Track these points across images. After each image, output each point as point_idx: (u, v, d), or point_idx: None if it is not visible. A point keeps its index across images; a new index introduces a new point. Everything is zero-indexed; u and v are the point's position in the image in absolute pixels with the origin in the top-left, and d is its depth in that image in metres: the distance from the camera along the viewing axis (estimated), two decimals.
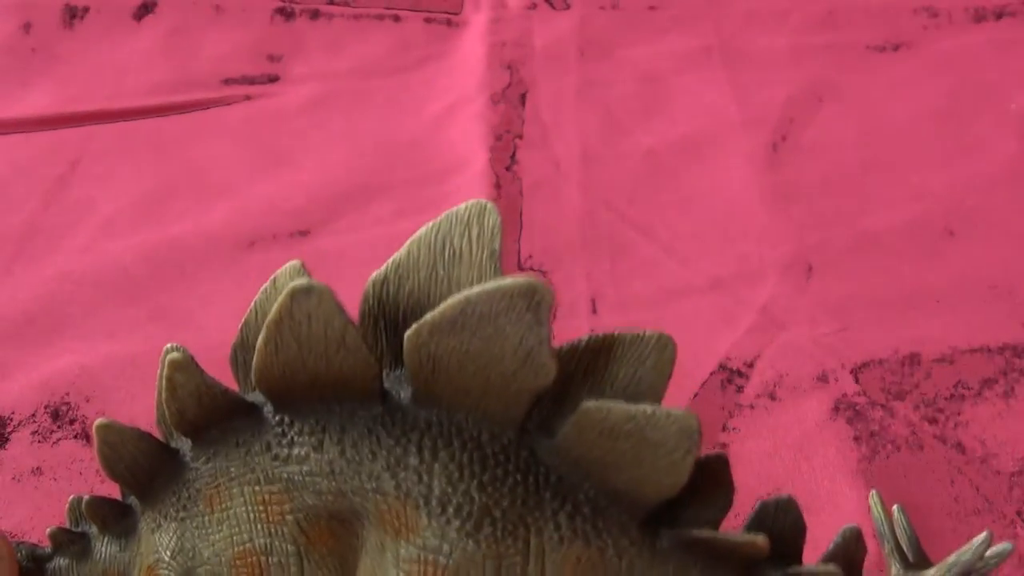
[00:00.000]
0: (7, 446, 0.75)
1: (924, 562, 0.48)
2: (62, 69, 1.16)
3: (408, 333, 0.41)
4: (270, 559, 0.45)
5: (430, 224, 0.45)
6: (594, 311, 0.85)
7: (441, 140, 1.06)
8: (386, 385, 0.44)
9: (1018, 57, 1.14)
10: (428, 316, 0.41)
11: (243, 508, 0.45)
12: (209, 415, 0.45)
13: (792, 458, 0.71)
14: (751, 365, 0.80)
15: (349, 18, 1.24)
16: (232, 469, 0.45)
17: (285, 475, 0.44)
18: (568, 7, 1.26)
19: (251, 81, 1.15)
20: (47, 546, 0.52)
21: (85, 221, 0.96)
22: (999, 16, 1.20)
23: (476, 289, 0.40)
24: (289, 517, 0.44)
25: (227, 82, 1.15)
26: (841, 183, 0.99)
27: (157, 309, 0.87)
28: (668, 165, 1.02)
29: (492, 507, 0.42)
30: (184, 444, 0.47)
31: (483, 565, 0.42)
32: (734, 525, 0.44)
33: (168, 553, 0.47)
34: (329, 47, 1.20)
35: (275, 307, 0.41)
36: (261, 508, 0.44)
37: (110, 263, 0.91)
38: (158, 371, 0.47)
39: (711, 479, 0.44)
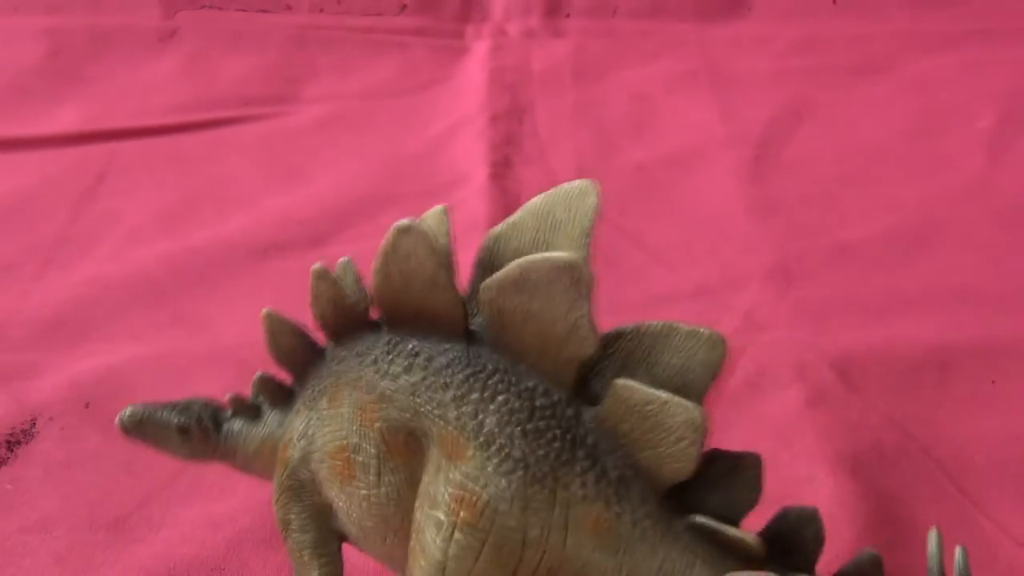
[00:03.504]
0: (38, 441, 0.75)
1: None
2: (89, 89, 1.17)
3: (482, 285, 0.44)
4: (357, 457, 0.47)
5: (543, 195, 0.47)
6: None
7: (444, 156, 1.07)
8: (473, 327, 0.46)
9: (985, 78, 1.15)
10: (497, 274, 0.43)
11: (348, 409, 0.48)
12: (344, 323, 0.48)
13: (770, 447, 0.71)
14: (733, 362, 0.80)
15: (359, 44, 1.25)
16: (350, 374, 0.48)
17: (380, 387, 0.47)
18: (564, 34, 1.27)
19: (267, 101, 1.16)
20: (227, 408, 0.55)
21: (111, 231, 0.97)
22: (966, 40, 1.21)
23: (532, 256, 0.42)
24: (377, 425, 0.47)
25: (245, 102, 1.15)
26: (819, 196, 1.00)
27: (179, 313, 0.87)
28: (657, 179, 1.02)
29: (528, 454, 0.44)
30: (329, 344, 0.50)
31: (511, 503, 0.44)
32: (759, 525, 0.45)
33: (296, 435, 0.51)
34: (340, 70, 1.21)
35: (384, 240, 0.44)
36: (359, 412, 0.47)
37: (135, 270, 0.91)
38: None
39: (741, 476, 0.44)
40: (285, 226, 0.97)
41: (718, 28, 1.26)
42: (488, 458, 0.44)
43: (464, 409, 0.45)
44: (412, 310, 0.45)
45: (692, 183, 1.02)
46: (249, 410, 0.54)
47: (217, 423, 0.55)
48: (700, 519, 0.43)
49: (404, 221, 0.43)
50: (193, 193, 1.02)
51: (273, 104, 1.15)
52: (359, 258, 0.92)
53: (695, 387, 0.44)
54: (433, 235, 0.44)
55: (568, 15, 1.30)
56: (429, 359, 0.46)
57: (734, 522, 0.44)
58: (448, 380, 0.45)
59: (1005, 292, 0.87)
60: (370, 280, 0.47)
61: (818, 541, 0.45)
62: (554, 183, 1.02)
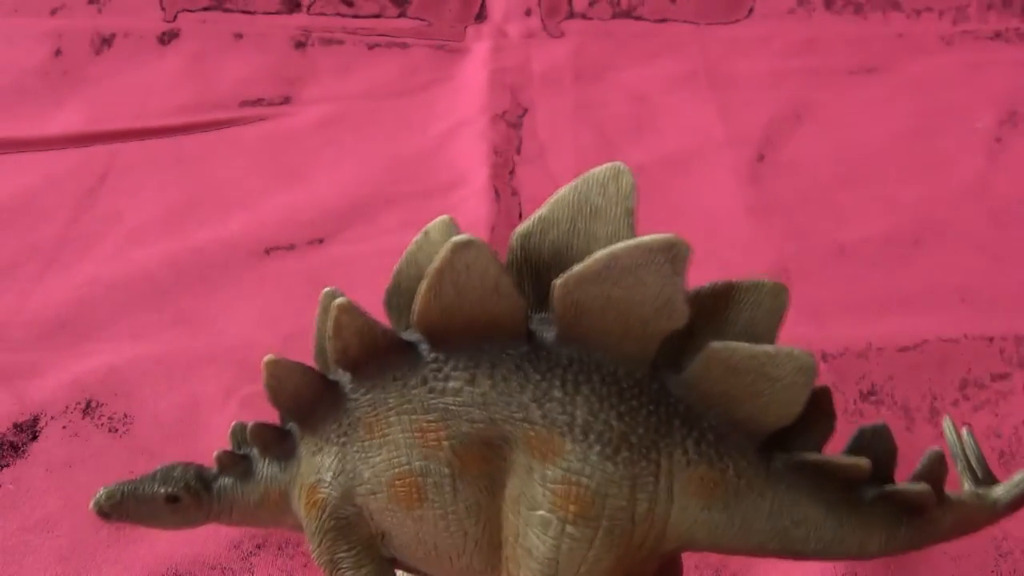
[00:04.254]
0: (40, 440, 0.76)
1: (992, 479, 0.50)
2: (91, 91, 1.17)
3: (556, 282, 0.44)
4: (427, 480, 0.47)
5: (570, 184, 0.47)
6: None
7: (445, 157, 1.07)
8: (531, 327, 0.46)
9: (983, 79, 1.15)
10: (575, 268, 0.43)
11: (401, 434, 0.47)
12: (370, 352, 0.47)
13: None
14: None
15: (359, 45, 1.25)
16: (390, 400, 0.47)
17: (441, 406, 0.46)
18: (564, 35, 1.27)
19: (268, 103, 1.16)
20: (214, 467, 0.53)
21: (113, 231, 0.97)
22: (966, 42, 1.21)
23: (620, 244, 0.42)
24: (445, 443, 0.46)
25: (245, 104, 1.15)
26: (818, 197, 1.00)
27: (180, 313, 0.88)
28: (657, 180, 1.03)
29: (629, 434, 0.44)
30: (343, 377, 0.49)
31: (620, 484, 0.44)
32: (834, 448, 0.47)
33: (330, 474, 0.49)
34: (341, 71, 1.21)
35: (437, 258, 0.44)
36: (418, 435, 0.46)
37: (136, 270, 0.92)
38: (318, 311, 0.49)
39: (817, 408, 0.46)
40: (286, 226, 0.97)
41: (718, 29, 1.26)
42: (589, 446, 0.44)
43: (549, 406, 0.45)
44: (463, 322, 0.45)
45: (692, 184, 1.03)
46: (238, 462, 0.53)
47: (205, 484, 0.53)
48: (806, 455, 0.46)
49: (461, 236, 0.43)
50: (194, 194, 1.02)
51: (274, 105, 1.15)
52: (360, 258, 0.92)
53: (766, 335, 0.46)
54: (488, 245, 0.44)
55: (568, 16, 1.30)
56: (492, 366, 0.45)
57: (818, 450, 0.47)
58: (522, 382, 0.45)
59: (1004, 292, 0.88)
60: (412, 302, 0.46)
61: (892, 453, 0.47)
62: (554, 184, 1.02)
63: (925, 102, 1.13)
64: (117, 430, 0.76)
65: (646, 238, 0.42)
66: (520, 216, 0.98)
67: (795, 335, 0.83)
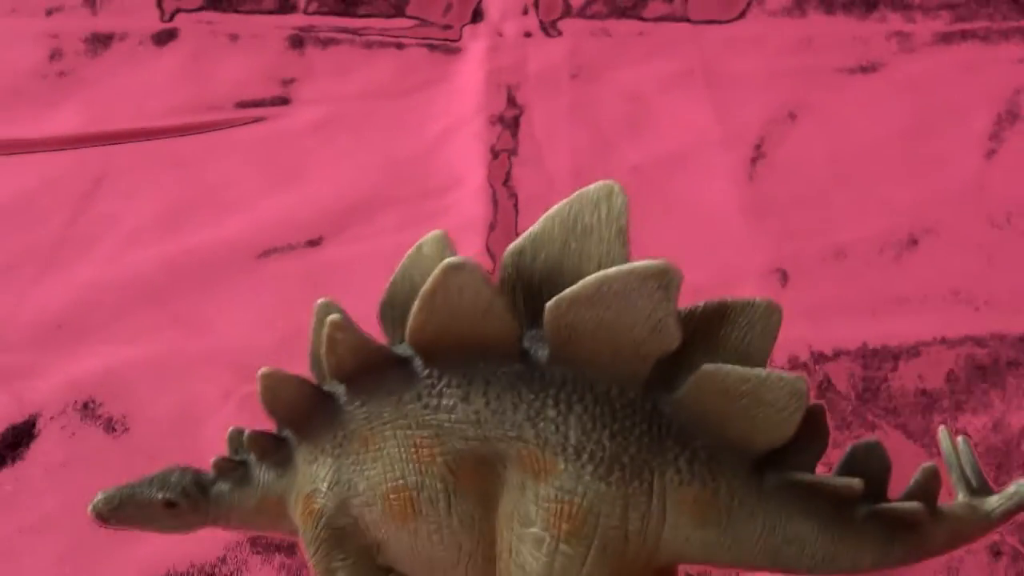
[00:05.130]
0: (38, 441, 0.76)
1: (986, 489, 0.50)
2: (88, 92, 1.17)
3: (549, 304, 0.44)
4: (421, 494, 0.47)
5: (563, 203, 0.48)
6: None
7: (441, 157, 1.07)
8: (524, 344, 0.47)
9: (980, 79, 1.15)
10: (568, 291, 0.44)
11: (395, 449, 0.47)
12: (364, 367, 0.48)
13: None
14: None
15: (356, 45, 1.25)
16: (385, 414, 0.47)
17: (435, 422, 0.46)
18: (560, 34, 1.27)
19: (264, 104, 1.16)
20: (211, 473, 0.54)
21: (110, 233, 0.97)
22: (962, 40, 1.21)
23: (613, 270, 0.43)
24: (439, 459, 0.47)
25: (242, 105, 1.15)
26: (814, 197, 1.00)
27: (178, 314, 0.88)
28: (653, 180, 1.03)
29: (621, 454, 0.45)
30: (338, 389, 0.49)
31: (613, 503, 0.45)
32: (831, 457, 0.48)
33: (325, 484, 0.50)
34: (337, 72, 1.21)
35: (430, 279, 0.44)
36: (412, 450, 0.47)
37: (134, 272, 0.92)
38: (313, 323, 0.50)
39: (810, 426, 0.46)
40: (283, 228, 0.97)
41: (714, 28, 1.26)
42: (582, 466, 0.45)
43: (542, 425, 0.45)
44: (456, 341, 0.45)
45: (688, 184, 1.03)
46: (235, 468, 0.53)
47: (203, 489, 0.53)
48: (798, 475, 0.46)
49: (454, 259, 0.44)
50: (191, 195, 1.02)
51: (270, 106, 1.15)
52: (357, 259, 0.92)
53: (759, 355, 0.46)
54: (481, 267, 0.44)
55: (564, 15, 1.30)
56: (487, 384, 0.46)
57: (811, 469, 0.47)
58: (516, 401, 0.46)
59: (1000, 293, 0.88)
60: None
61: (885, 471, 0.48)
62: (551, 184, 1.02)
63: (921, 101, 1.13)
64: (115, 431, 0.77)
65: (638, 264, 0.42)
66: (517, 217, 0.98)
67: (790, 336, 0.83)
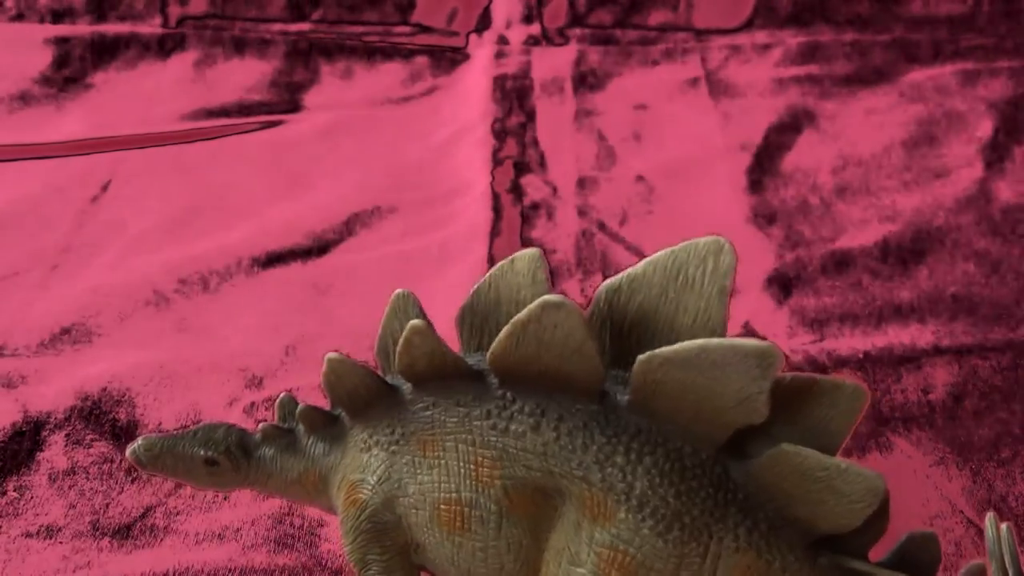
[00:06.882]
0: (43, 448, 0.76)
1: None
2: (94, 98, 1.17)
3: (641, 358, 0.44)
4: (473, 511, 0.47)
5: (668, 250, 0.47)
6: None
7: (446, 165, 1.08)
8: (604, 385, 0.46)
9: (982, 88, 1.16)
10: (665, 350, 0.43)
11: (455, 462, 0.47)
12: (436, 373, 0.47)
13: None
14: None
15: (361, 52, 1.25)
16: (450, 424, 0.47)
17: (500, 444, 0.46)
18: (566, 42, 1.28)
19: (270, 110, 1.16)
20: (256, 435, 0.54)
21: (116, 239, 0.97)
22: (965, 50, 1.21)
23: (715, 341, 0.42)
24: (498, 482, 0.47)
25: (248, 111, 1.16)
26: (818, 205, 1.01)
27: (183, 321, 0.88)
28: (657, 188, 1.03)
29: (684, 513, 0.45)
30: (403, 385, 0.49)
31: (666, 561, 0.45)
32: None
33: (374, 478, 0.50)
34: (342, 79, 1.22)
35: (525, 312, 0.44)
36: (473, 467, 0.47)
37: (139, 278, 0.92)
38: (387, 311, 0.50)
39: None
40: (288, 234, 0.97)
41: (719, 37, 1.27)
42: (643, 519, 0.45)
43: (609, 471, 0.45)
44: (539, 373, 0.45)
45: (692, 192, 1.03)
46: (283, 435, 0.54)
47: (246, 451, 0.54)
48: (851, 561, 0.46)
49: (554, 297, 0.43)
50: (197, 202, 1.02)
51: (276, 113, 1.16)
52: (362, 266, 0.93)
53: (838, 436, 0.46)
54: (579, 309, 0.44)
55: (570, 23, 1.30)
56: (559, 419, 0.46)
57: (865, 551, 0.47)
58: (587, 441, 0.45)
59: (1002, 301, 0.88)
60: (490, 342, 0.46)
61: (935, 563, 0.48)
62: (555, 192, 1.02)
63: (924, 111, 1.13)
64: (120, 437, 0.77)
65: (741, 341, 0.42)
66: (522, 224, 0.98)
67: (794, 344, 0.84)
